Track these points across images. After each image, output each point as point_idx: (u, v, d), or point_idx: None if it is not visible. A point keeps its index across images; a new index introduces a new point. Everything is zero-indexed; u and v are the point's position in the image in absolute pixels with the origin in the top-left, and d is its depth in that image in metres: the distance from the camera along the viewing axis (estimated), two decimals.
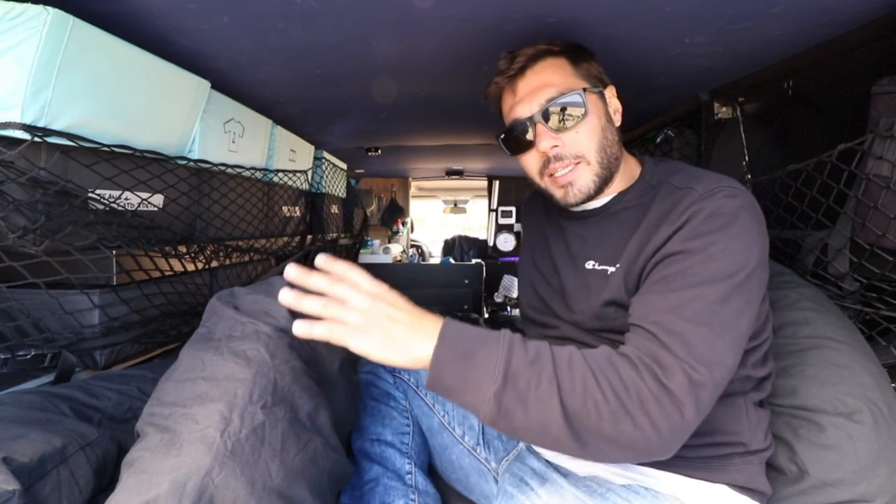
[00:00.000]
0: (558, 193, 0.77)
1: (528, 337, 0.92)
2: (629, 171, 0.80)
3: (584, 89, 0.74)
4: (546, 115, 0.74)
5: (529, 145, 0.76)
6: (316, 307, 0.57)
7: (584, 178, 0.74)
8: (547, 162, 0.75)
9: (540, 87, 0.75)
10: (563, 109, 0.73)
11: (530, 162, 0.79)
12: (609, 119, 0.77)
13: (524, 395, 0.55)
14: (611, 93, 0.80)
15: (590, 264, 0.77)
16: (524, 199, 1.08)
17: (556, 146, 0.74)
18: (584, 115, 0.73)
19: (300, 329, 0.56)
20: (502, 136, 0.80)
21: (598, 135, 0.75)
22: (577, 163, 0.74)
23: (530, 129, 0.75)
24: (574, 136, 0.74)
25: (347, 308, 0.56)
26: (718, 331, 0.59)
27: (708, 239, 0.63)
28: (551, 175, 0.76)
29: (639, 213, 0.73)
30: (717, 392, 0.58)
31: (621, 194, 0.78)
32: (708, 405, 0.57)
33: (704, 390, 0.56)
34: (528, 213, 1.02)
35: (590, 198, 0.76)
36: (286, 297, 0.57)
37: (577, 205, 0.77)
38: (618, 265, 0.72)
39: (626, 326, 0.70)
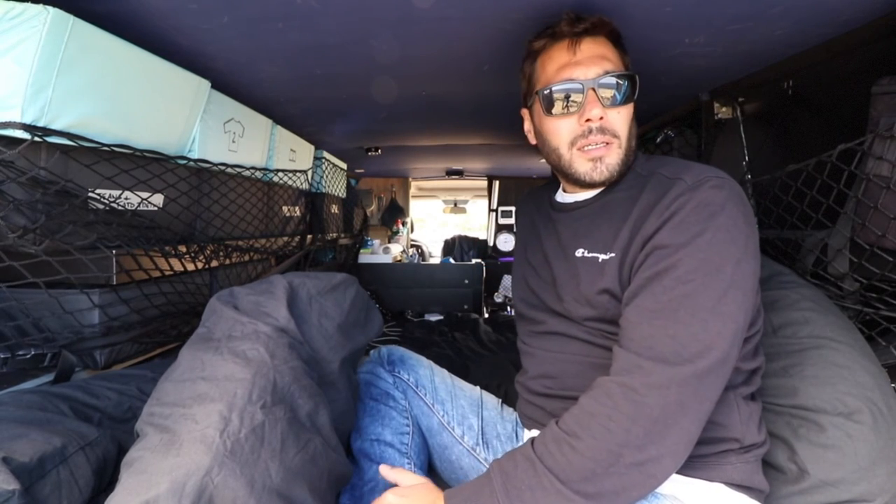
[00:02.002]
0: (585, 167, 0.77)
1: (519, 334, 0.93)
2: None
3: (636, 76, 0.76)
4: (602, 86, 0.74)
5: (572, 109, 0.76)
6: None
7: (614, 157, 0.76)
8: (585, 133, 0.75)
9: (602, 57, 0.75)
10: (619, 87, 0.74)
11: (564, 128, 0.77)
12: (634, 116, 0.80)
13: (531, 501, 0.60)
14: None
15: (579, 252, 0.78)
16: (519, 198, 1.09)
17: (602, 118, 0.74)
18: (631, 98, 0.76)
19: None
20: (545, 91, 0.77)
21: (630, 124, 0.77)
22: (613, 142, 0.75)
23: (582, 95, 0.74)
24: (616, 116, 0.75)
25: None
26: (713, 326, 0.60)
27: (694, 230, 0.63)
28: (582, 148, 0.76)
29: (629, 202, 0.74)
30: (712, 383, 0.60)
31: (612, 185, 0.80)
32: (704, 395, 0.60)
33: (690, 389, 0.59)
34: (520, 212, 1.03)
35: (611, 180, 0.77)
36: None
37: (600, 183, 0.78)
38: (612, 254, 0.72)
39: (617, 317, 0.71)
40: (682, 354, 0.59)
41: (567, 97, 0.76)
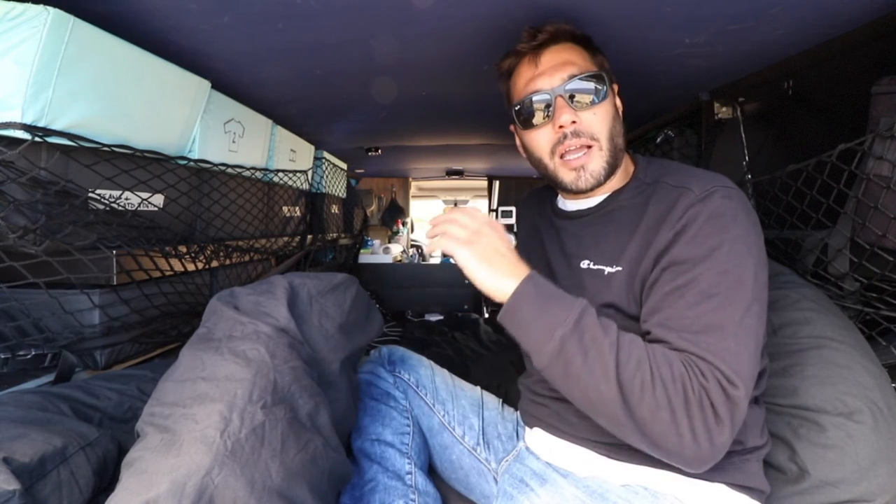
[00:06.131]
0: (569, 177, 0.76)
1: None
2: (624, 170, 0.81)
3: (605, 74, 0.75)
4: (568, 91, 0.74)
5: (544, 120, 0.76)
6: (441, 225, 0.69)
7: (596, 163, 0.75)
8: (561, 139, 0.75)
9: (564, 63, 0.75)
10: (587, 87, 0.74)
11: (541, 139, 0.78)
12: (618, 113, 0.79)
13: (587, 347, 0.59)
14: (616, 89, 0.81)
15: (584, 263, 0.77)
16: (520, 199, 1.09)
17: (574, 122, 0.73)
18: (604, 97, 0.75)
19: (425, 242, 0.71)
20: (517, 107, 0.79)
21: (611, 122, 0.76)
22: (591, 145, 0.74)
23: (550, 103, 0.75)
24: (591, 117, 0.74)
25: (462, 227, 0.68)
26: (743, 342, 0.59)
27: (711, 243, 0.63)
28: (562, 156, 0.76)
29: (635, 212, 0.73)
30: (746, 406, 0.59)
31: (615, 193, 0.79)
32: (740, 422, 0.58)
33: (738, 408, 0.57)
34: (522, 214, 1.02)
35: (599, 184, 0.76)
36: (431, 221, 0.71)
37: (587, 190, 0.77)
38: (618, 267, 0.71)
39: (625, 328, 0.70)
40: (718, 375, 0.58)
41: (538, 108, 0.76)
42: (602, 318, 0.63)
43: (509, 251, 0.67)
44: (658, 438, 0.57)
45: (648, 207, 0.71)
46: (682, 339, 0.61)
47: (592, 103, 0.74)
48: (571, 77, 0.74)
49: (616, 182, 0.79)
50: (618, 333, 0.61)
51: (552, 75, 0.75)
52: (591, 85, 0.74)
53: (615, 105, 0.79)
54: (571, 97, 0.74)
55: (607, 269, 0.73)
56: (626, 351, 0.59)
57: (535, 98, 0.76)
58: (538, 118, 0.77)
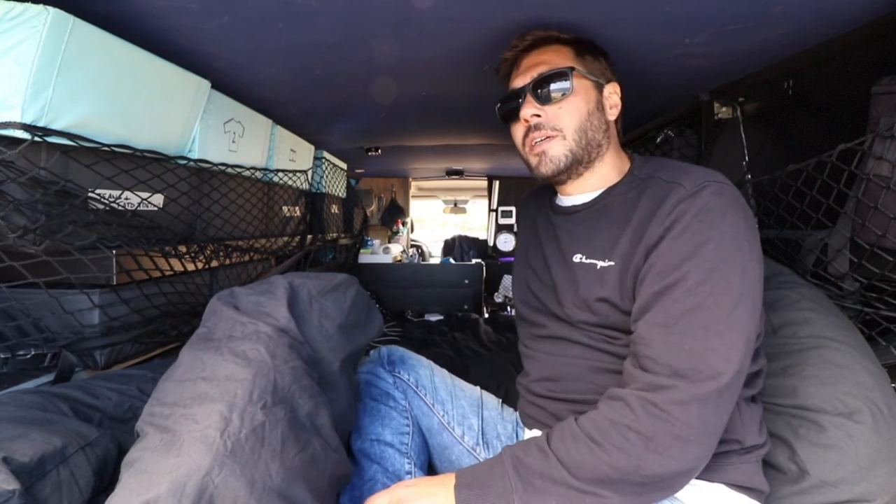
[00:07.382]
0: (533, 162, 0.82)
1: (521, 337, 0.93)
2: (620, 167, 0.82)
3: (573, 69, 0.79)
4: (535, 87, 0.79)
5: (517, 115, 0.82)
6: None
7: (557, 150, 0.79)
8: (528, 131, 0.81)
9: (537, 64, 0.81)
10: (550, 84, 0.79)
11: (516, 132, 0.85)
12: (599, 108, 0.81)
13: (544, 489, 0.60)
14: (612, 89, 0.83)
15: (577, 258, 0.78)
16: (520, 199, 1.11)
17: (537, 115, 0.79)
18: (569, 92, 0.78)
19: None
20: (498, 104, 0.87)
21: (581, 115, 0.78)
22: (554, 136, 0.78)
23: (520, 100, 0.81)
24: (556, 111, 0.79)
25: None
26: (730, 340, 0.60)
27: (698, 239, 0.63)
28: (531, 145, 0.81)
29: (627, 206, 0.74)
30: (729, 396, 0.60)
31: (610, 188, 0.80)
32: (722, 409, 0.60)
33: (710, 404, 0.58)
34: (522, 212, 1.05)
35: (560, 170, 0.79)
36: None
37: (551, 177, 0.81)
38: (611, 262, 0.72)
39: (619, 324, 0.71)
40: (702, 370, 0.59)
41: (512, 105, 0.83)
42: (531, 444, 0.65)
43: (422, 489, 0.66)
44: (655, 483, 0.59)
45: (641, 201, 0.72)
46: (665, 342, 0.61)
47: (559, 98, 0.78)
48: (540, 75, 0.79)
49: (611, 178, 0.81)
50: (552, 451, 0.62)
51: (525, 75, 0.81)
52: (554, 81, 0.78)
53: (595, 101, 0.80)
54: (538, 93, 0.79)
55: (600, 264, 0.74)
56: (566, 455, 0.61)
57: (509, 96, 0.83)
58: (511, 113, 0.84)
